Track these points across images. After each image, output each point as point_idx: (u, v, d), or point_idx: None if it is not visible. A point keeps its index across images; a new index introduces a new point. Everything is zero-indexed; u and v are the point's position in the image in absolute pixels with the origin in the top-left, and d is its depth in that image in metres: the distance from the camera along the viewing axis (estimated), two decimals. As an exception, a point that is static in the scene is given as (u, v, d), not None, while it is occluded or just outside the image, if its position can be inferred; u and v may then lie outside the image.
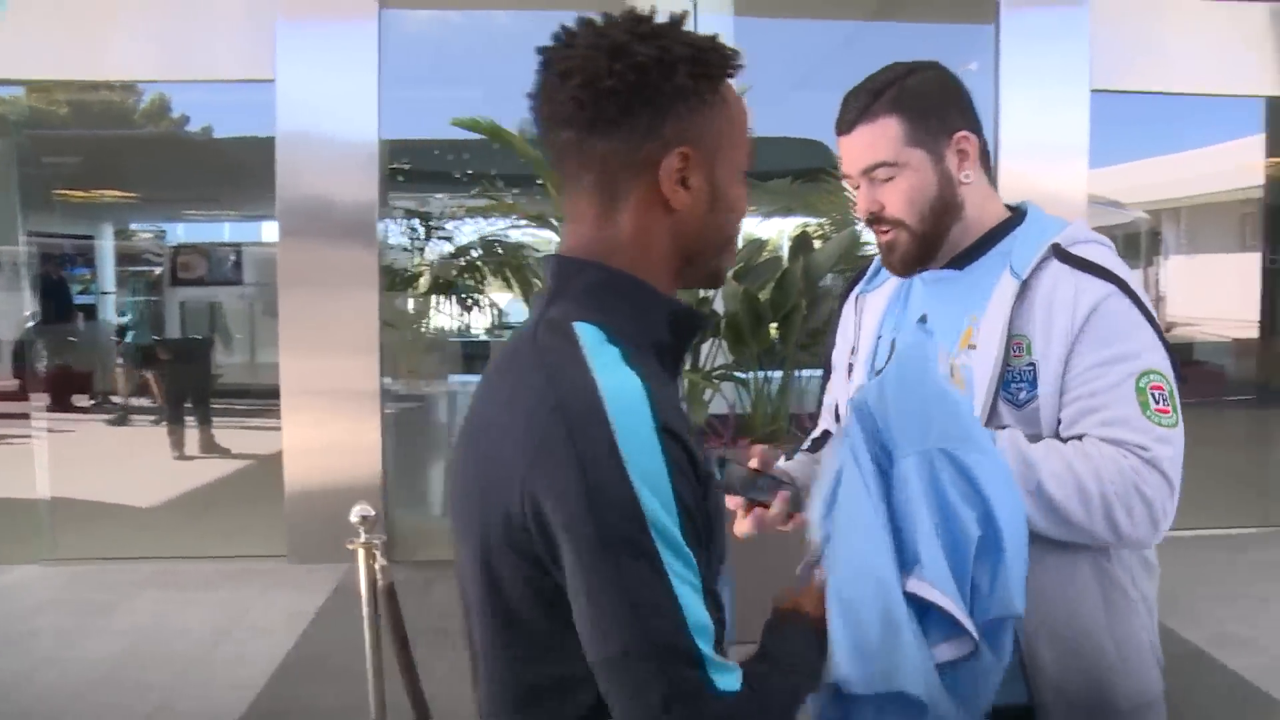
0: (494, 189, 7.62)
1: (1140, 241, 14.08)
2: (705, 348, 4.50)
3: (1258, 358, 13.32)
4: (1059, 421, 1.47)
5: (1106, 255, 1.54)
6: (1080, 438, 1.44)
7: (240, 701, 3.81)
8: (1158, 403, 1.43)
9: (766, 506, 1.48)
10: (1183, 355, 11.94)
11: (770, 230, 6.58)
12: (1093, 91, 5.61)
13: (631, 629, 0.93)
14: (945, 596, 1.14)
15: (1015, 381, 1.49)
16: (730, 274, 4.41)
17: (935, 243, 1.59)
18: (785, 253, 4.80)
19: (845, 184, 1.64)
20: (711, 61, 1.05)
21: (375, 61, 5.49)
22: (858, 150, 1.57)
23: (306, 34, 5.48)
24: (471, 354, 8.68)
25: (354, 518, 2.44)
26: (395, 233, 7.53)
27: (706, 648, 0.94)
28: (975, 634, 1.15)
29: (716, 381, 4.45)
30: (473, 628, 1.13)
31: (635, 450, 0.94)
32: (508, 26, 6.51)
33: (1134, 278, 1.50)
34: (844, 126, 1.59)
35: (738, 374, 4.50)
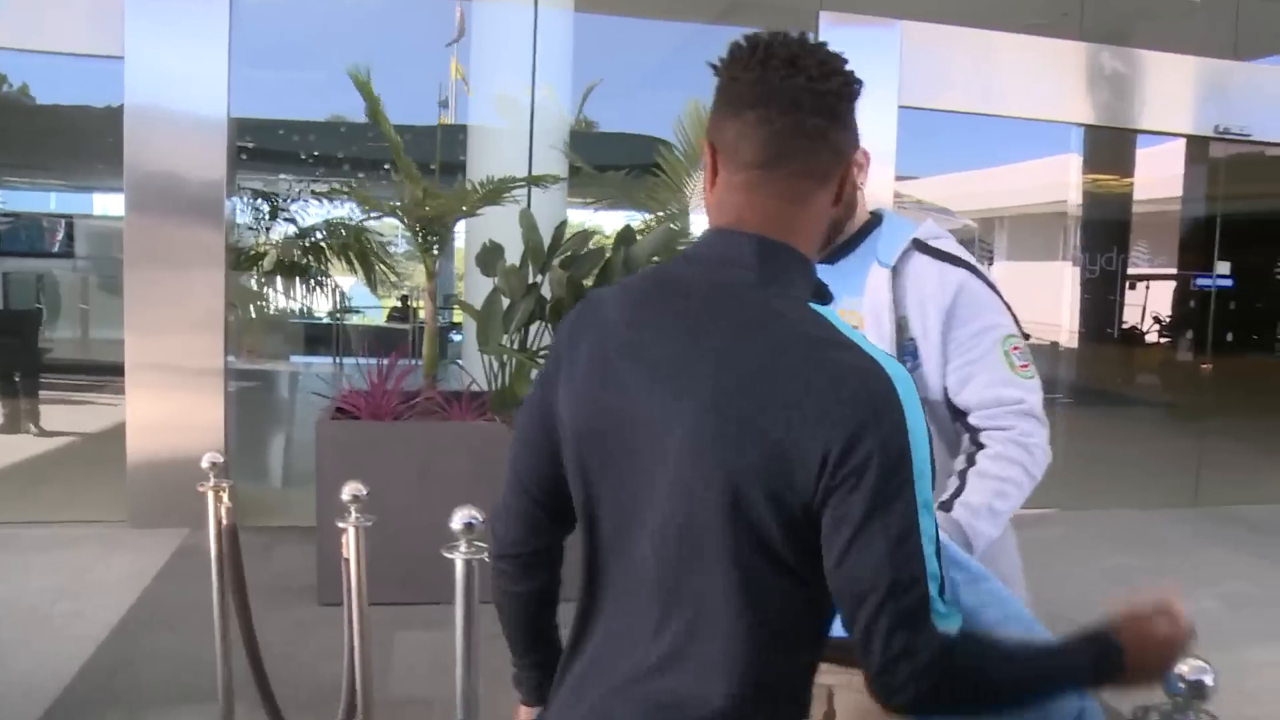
0: (339, 172, 7.86)
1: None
2: (532, 330, 4.93)
3: (1075, 361, 14.55)
4: (945, 388, 1.83)
5: (956, 247, 1.89)
6: (977, 436, 1.82)
7: (81, 653, 4.04)
8: (1020, 360, 1.82)
9: None
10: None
11: (602, 221, 7.03)
12: (901, 107, 6.27)
13: (884, 566, 1.07)
14: None
15: (900, 356, 1.81)
16: (557, 262, 4.86)
17: (834, 238, 1.89)
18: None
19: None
20: (858, 84, 1.22)
21: (226, 37, 5.70)
22: None
23: (157, 7, 5.66)
24: (314, 335, 8.88)
25: (204, 463, 2.79)
26: (242, 212, 7.70)
27: (934, 590, 1.09)
28: None
29: (541, 361, 4.89)
30: (685, 578, 1.18)
31: (914, 424, 1.10)
32: (356, 10, 6.74)
33: (979, 264, 1.88)
34: None
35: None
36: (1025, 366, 1.83)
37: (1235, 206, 12.71)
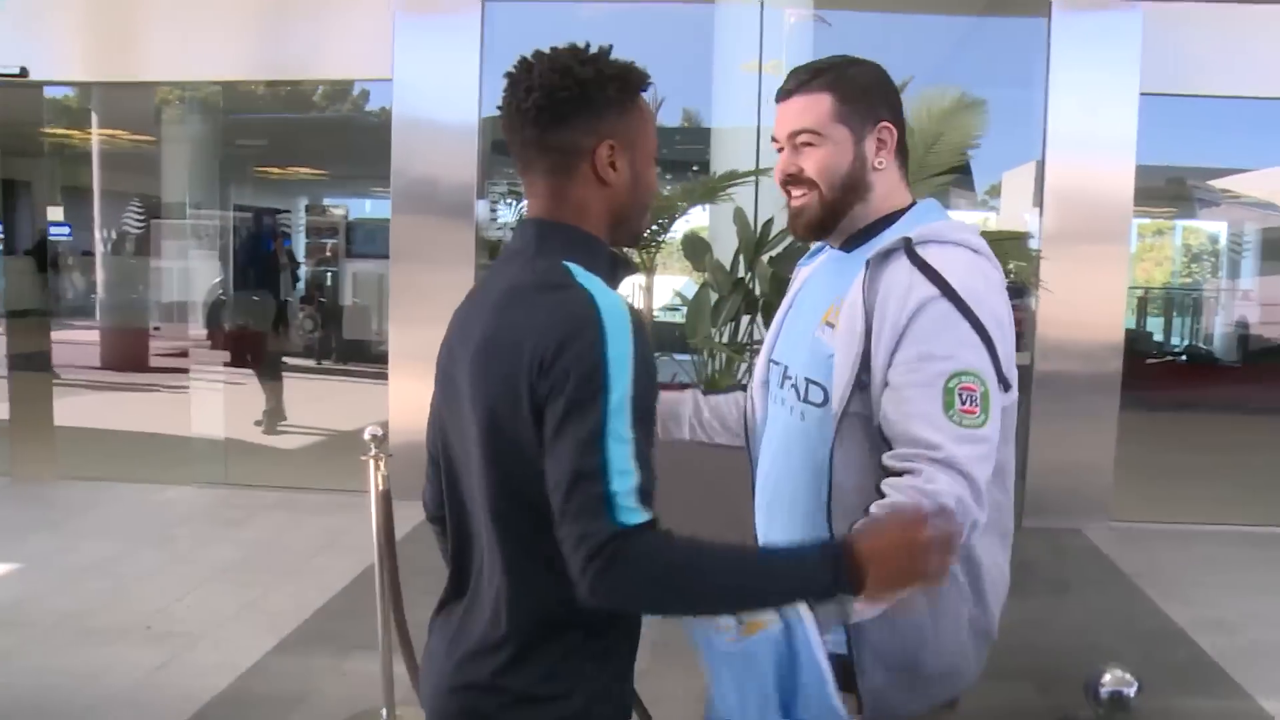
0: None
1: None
2: (742, 324, 5.17)
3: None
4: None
5: (950, 259, 1.65)
6: (881, 481, 1.56)
7: (321, 599, 4.84)
8: (964, 403, 1.55)
9: None
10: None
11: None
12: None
13: (566, 462, 1.28)
14: None
15: (864, 370, 1.65)
16: (766, 258, 5.06)
17: (838, 214, 1.78)
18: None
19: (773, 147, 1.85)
20: (631, 80, 1.47)
21: (477, 49, 6.36)
22: (790, 115, 1.78)
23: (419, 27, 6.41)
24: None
25: (365, 435, 3.37)
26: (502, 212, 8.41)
27: (619, 486, 1.27)
28: None
29: (750, 353, 5.12)
30: (470, 516, 1.50)
31: (613, 341, 1.31)
32: (595, 20, 7.18)
33: (974, 284, 1.63)
34: (782, 95, 1.81)
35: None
36: (972, 412, 1.56)
37: None
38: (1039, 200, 6.44)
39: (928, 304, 1.60)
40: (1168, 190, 12.53)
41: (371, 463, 3.35)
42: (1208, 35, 6.19)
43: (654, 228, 5.50)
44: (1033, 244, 6.11)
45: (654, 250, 5.59)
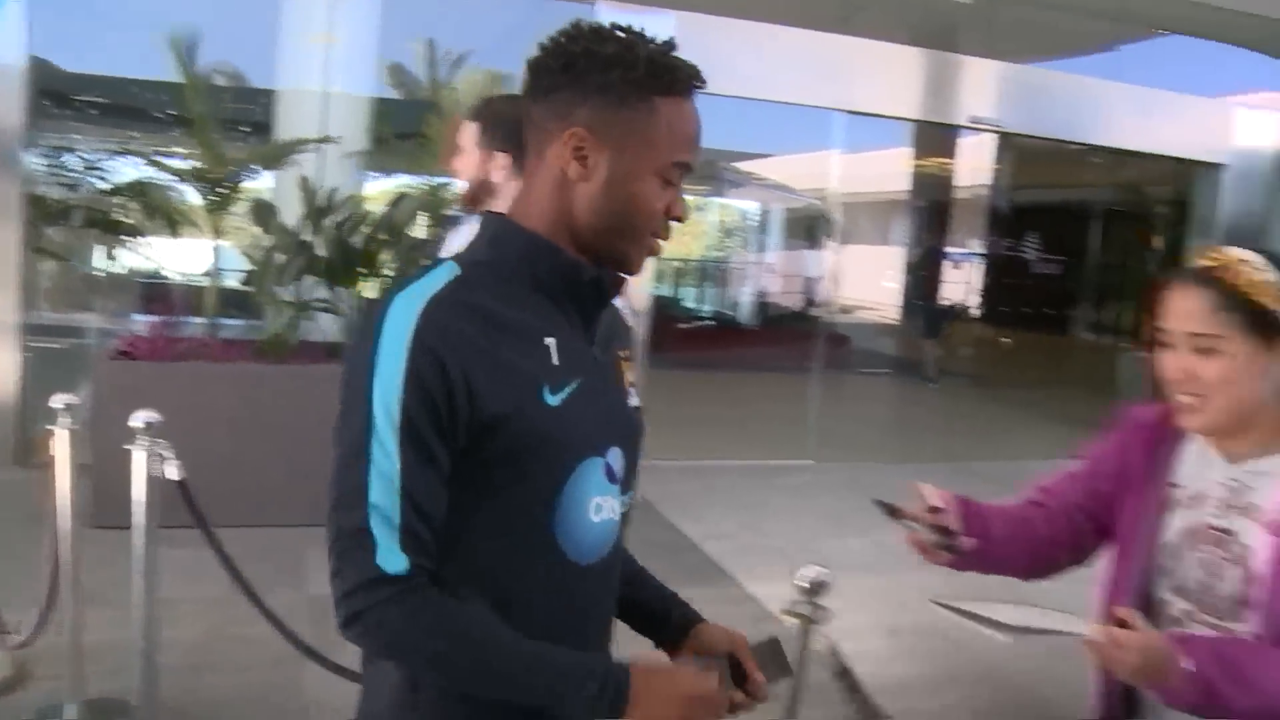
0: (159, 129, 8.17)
1: (817, 226, 16.18)
2: (308, 282, 5.51)
3: (895, 337, 15.67)
4: None
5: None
6: None
7: None
8: None
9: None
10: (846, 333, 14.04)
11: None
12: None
13: (330, 491, 1.17)
14: None
15: None
16: (329, 223, 5.43)
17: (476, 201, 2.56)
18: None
19: None
20: (647, 74, 1.22)
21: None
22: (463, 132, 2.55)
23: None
24: (136, 292, 9.16)
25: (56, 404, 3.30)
26: (59, 167, 7.99)
27: (378, 526, 1.14)
28: None
29: (311, 312, 5.50)
30: None
31: (384, 361, 1.14)
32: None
33: None
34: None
35: (332, 305, 5.55)
36: None
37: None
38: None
39: None
40: (701, 171, 14.00)
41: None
42: (734, 44, 7.24)
43: (221, 190, 5.70)
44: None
45: (220, 213, 5.78)
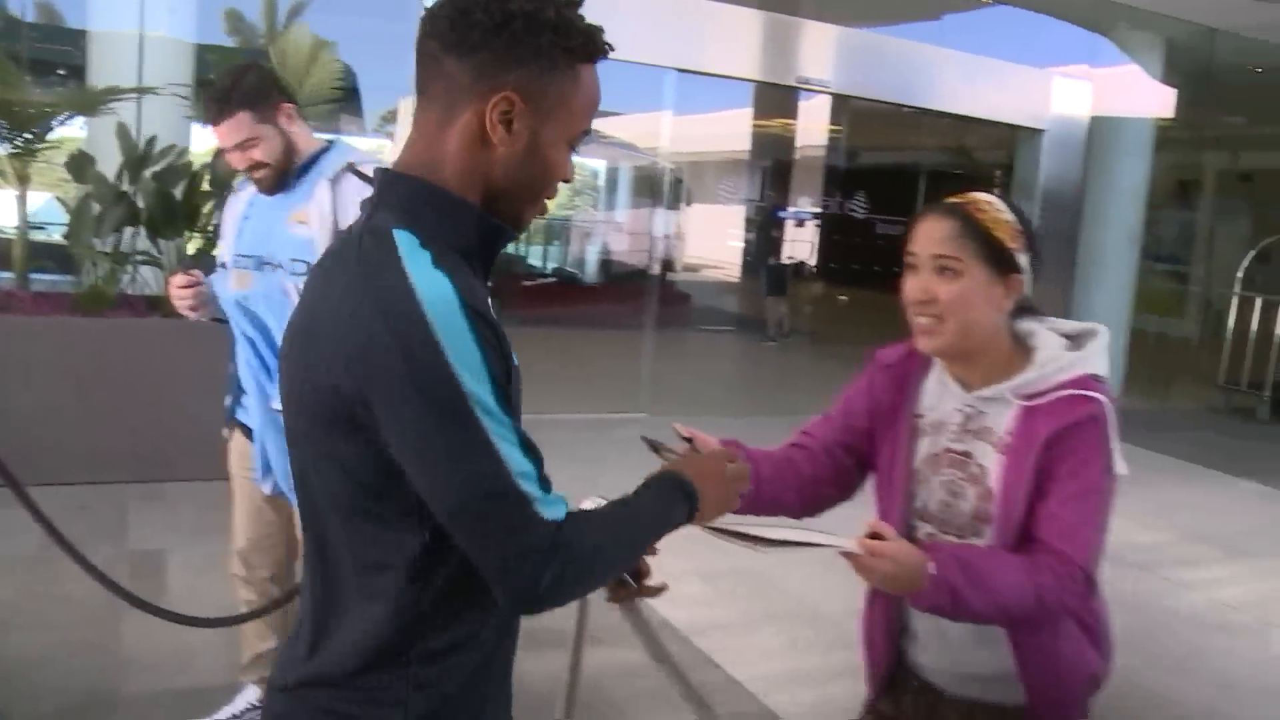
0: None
1: (660, 184, 16.37)
2: (127, 235, 5.35)
3: (738, 295, 16.04)
4: None
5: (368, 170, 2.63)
6: None
7: None
8: None
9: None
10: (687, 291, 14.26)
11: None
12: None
13: (464, 484, 1.11)
14: None
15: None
16: (149, 174, 5.29)
17: (287, 172, 2.66)
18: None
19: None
20: (578, 42, 1.21)
21: None
22: (225, 135, 2.59)
23: None
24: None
25: None
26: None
27: (529, 487, 1.12)
28: None
29: (132, 266, 5.35)
30: (315, 520, 1.27)
31: (451, 337, 1.09)
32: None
33: None
34: (208, 119, 2.62)
35: (154, 257, 5.41)
36: None
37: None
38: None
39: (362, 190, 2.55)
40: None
41: None
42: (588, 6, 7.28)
43: (28, 136, 5.47)
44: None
45: (27, 160, 5.54)
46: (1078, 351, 1.72)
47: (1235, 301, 11.20)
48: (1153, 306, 12.43)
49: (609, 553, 1.23)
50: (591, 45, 1.22)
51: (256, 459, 2.80)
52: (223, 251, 2.81)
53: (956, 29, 10.08)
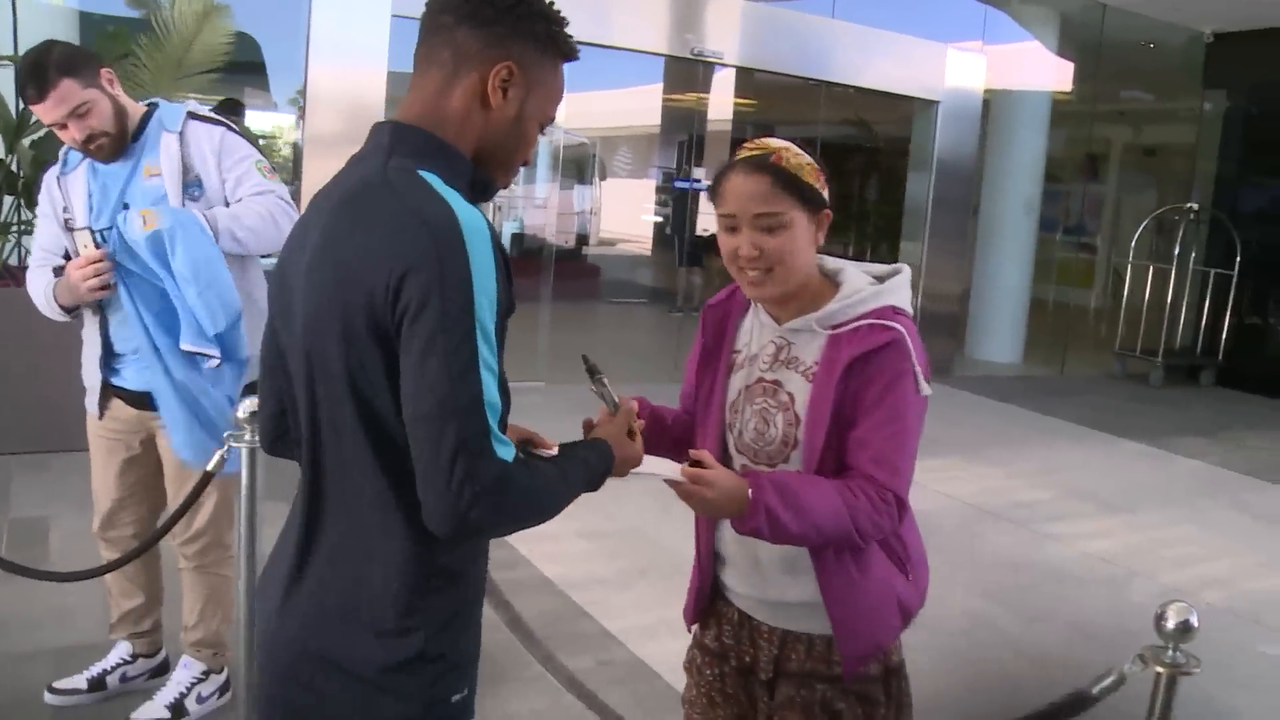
0: None
1: (588, 163, 16.40)
2: (7, 204, 5.30)
3: (651, 268, 16.14)
4: (224, 196, 2.79)
5: (213, 116, 2.89)
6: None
7: None
8: (268, 170, 2.83)
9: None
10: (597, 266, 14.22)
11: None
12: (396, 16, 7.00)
13: (445, 391, 1.21)
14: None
15: (189, 188, 2.74)
16: (27, 142, 5.23)
17: (125, 139, 2.72)
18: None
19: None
20: (563, 39, 1.45)
21: None
22: (54, 107, 2.59)
23: None
24: None
25: None
26: None
27: (493, 421, 1.24)
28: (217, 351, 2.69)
29: (13, 236, 5.31)
30: (325, 443, 1.39)
31: (479, 262, 1.24)
32: None
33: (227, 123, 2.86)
34: (31, 99, 2.61)
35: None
36: (272, 174, 2.85)
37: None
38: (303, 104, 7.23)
39: (224, 134, 2.82)
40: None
41: None
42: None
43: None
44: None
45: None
46: (880, 285, 1.82)
47: (1130, 270, 11.57)
48: (1060, 277, 12.82)
49: (538, 504, 1.32)
50: (568, 46, 1.45)
51: (167, 419, 2.75)
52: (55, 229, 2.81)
53: (854, 4, 10.23)
